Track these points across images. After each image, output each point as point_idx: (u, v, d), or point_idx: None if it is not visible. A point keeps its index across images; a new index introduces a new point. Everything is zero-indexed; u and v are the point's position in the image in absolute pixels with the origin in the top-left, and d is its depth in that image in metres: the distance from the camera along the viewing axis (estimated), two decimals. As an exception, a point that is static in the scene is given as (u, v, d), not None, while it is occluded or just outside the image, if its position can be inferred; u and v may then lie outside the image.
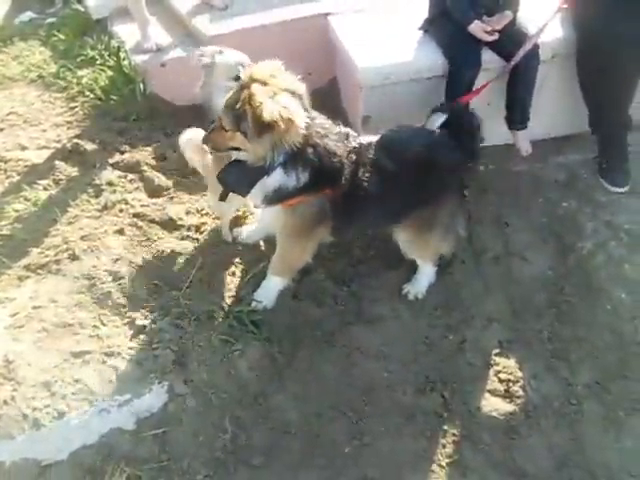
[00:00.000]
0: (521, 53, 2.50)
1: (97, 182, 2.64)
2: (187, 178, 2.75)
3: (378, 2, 3.13)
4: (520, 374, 2.16)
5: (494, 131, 2.93)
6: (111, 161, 2.76)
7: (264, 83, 1.83)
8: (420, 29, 2.80)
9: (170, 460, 1.89)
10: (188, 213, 2.57)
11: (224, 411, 2.00)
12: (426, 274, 2.36)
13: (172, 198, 2.63)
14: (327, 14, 3.07)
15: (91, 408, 1.88)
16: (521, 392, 2.11)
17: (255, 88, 1.79)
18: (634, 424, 2.03)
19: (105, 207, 2.52)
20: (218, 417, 1.99)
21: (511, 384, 2.13)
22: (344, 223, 2.12)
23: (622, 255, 2.52)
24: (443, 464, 1.94)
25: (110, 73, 3.16)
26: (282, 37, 3.07)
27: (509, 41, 2.60)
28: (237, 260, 2.40)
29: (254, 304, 2.23)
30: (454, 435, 2.00)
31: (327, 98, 3.26)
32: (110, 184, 2.63)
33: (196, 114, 3.14)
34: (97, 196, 2.59)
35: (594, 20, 2.55)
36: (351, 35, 2.85)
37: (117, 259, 2.26)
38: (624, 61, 2.50)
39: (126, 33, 3.29)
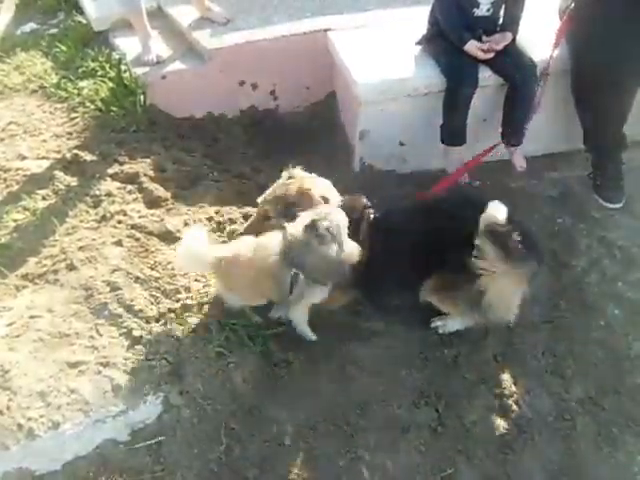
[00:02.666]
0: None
1: (96, 193, 2.64)
2: (186, 190, 2.77)
3: (378, 18, 3.19)
4: (514, 389, 2.16)
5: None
6: (110, 172, 2.76)
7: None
8: (417, 44, 2.84)
9: (164, 471, 1.88)
10: (186, 225, 2.58)
11: (219, 423, 2.00)
12: (458, 322, 2.29)
13: (170, 210, 2.64)
14: (327, 30, 3.12)
15: (86, 419, 1.87)
16: (515, 407, 2.11)
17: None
18: (627, 440, 2.03)
19: (103, 218, 2.52)
20: (213, 429, 1.99)
21: (505, 399, 2.13)
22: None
23: (616, 272, 2.55)
24: (433, 477, 1.93)
25: (111, 85, 3.17)
26: (282, 52, 3.13)
27: (508, 60, 2.66)
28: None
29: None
30: (448, 449, 1.99)
31: (325, 112, 3.32)
32: (109, 195, 2.63)
33: (194, 126, 3.21)
34: (96, 207, 2.59)
35: (591, 39, 2.61)
36: (350, 51, 2.89)
37: (115, 270, 2.26)
38: (620, 79, 2.55)
39: (127, 45, 3.32)
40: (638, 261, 2.60)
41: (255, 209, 2.68)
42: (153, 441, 1.92)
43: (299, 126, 3.25)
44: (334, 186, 2.61)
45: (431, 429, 2.04)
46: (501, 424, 2.07)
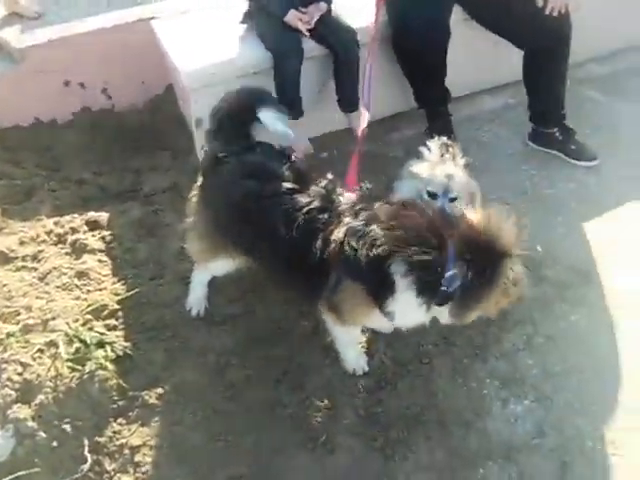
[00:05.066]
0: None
1: None
2: (19, 204, 2.60)
3: (202, 2, 3.12)
4: (377, 345, 2.24)
5: (330, 117, 3.06)
6: None
7: None
8: (241, 23, 2.83)
9: (29, 508, 1.79)
10: (22, 243, 2.41)
11: (81, 440, 1.92)
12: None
13: (2, 229, 2.46)
14: (151, 18, 3.01)
15: None
16: (378, 363, 2.19)
17: None
18: (476, 367, 2.19)
19: None
20: (76, 448, 1.91)
21: (369, 357, 2.20)
22: None
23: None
24: (310, 446, 1.98)
25: None
26: (105, 46, 2.97)
27: (327, 30, 2.71)
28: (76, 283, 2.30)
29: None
30: (317, 417, 2.04)
31: (165, 105, 3.22)
32: None
33: (22, 136, 2.99)
34: None
35: (399, 5, 2.75)
36: (174, 38, 2.81)
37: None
38: (429, 42, 2.69)
39: None
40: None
41: (98, 213, 2.58)
42: (12, 476, 1.80)
43: (139, 123, 3.13)
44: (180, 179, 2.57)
45: (297, 402, 2.07)
46: (366, 382, 2.14)
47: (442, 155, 2.15)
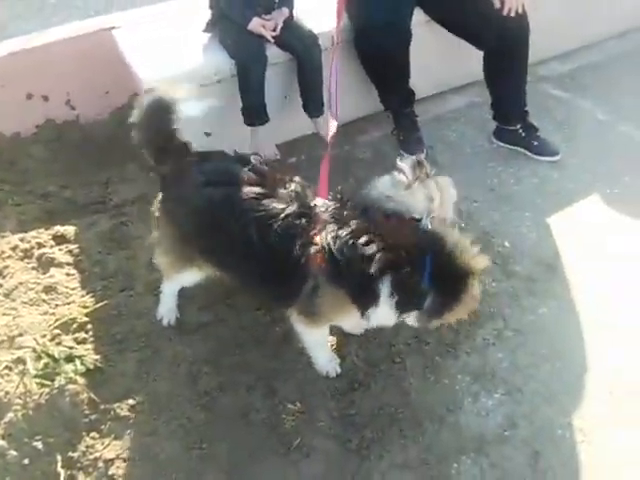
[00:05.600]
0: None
1: None
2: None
3: (164, 11, 3.12)
4: (348, 349, 2.25)
5: (297, 123, 3.07)
6: None
7: None
8: (204, 32, 2.83)
9: (3, 528, 1.76)
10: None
11: (54, 456, 1.89)
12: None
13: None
14: (112, 28, 3.00)
15: None
16: (350, 365, 2.20)
17: None
18: (448, 364, 2.22)
19: None
20: (48, 464, 1.88)
21: (341, 360, 2.20)
22: None
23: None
24: (284, 450, 1.97)
25: None
26: (68, 56, 2.96)
27: (289, 35, 2.73)
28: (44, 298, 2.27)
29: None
30: (291, 421, 2.04)
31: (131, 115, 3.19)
32: None
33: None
34: None
35: (360, 9, 2.79)
36: (136, 48, 2.80)
37: None
38: (390, 44, 2.73)
39: None
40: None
41: (65, 226, 2.56)
42: (-18, 498, 1.78)
43: (105, 134, 3.10)
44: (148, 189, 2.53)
45: (270, 407, 2.07)
46: (339, 384, 2.15)
47: (416, 176, 2.10)
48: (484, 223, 2.77)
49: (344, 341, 2.27)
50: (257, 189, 1.82)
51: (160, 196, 2.06)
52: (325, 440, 2.01)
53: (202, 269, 2.06)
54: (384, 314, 1.82)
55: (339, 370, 2.18)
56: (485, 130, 3.29)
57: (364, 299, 1.79)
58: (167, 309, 2.29)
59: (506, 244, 2.67)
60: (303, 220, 1.78)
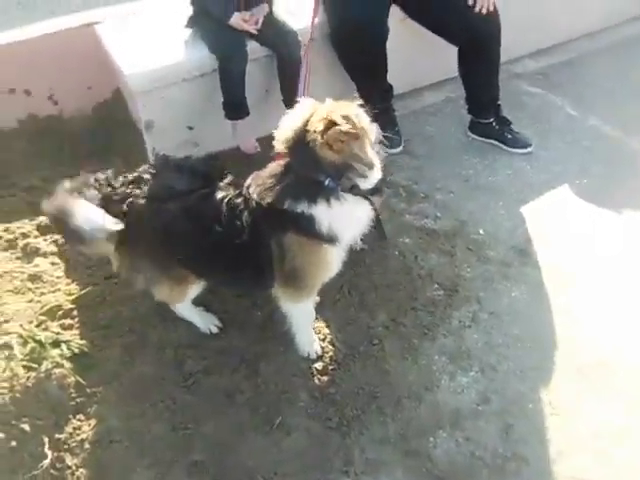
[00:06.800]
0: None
1: None
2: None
3: (147, 7, 3.17)
4: (327, 331, 2.34)
5: (278, 117, 3.12)
6: None
7: None
8: (186, 27, 2.89)
9: (-10, 508, 1.79)
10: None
11: (40, 438, 1.93)
12: None
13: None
14: (94, 23, 3.04)
15: None
16: (330, 347, 2.28)
17: None
18: (425, 346, 2.31)
19: None
20: (36, 446, 1.92)
21: (320, 342, 2.29)
22: None
23: (402, 208, 2.85)
24: (266, 429, 2.05)
25: None
26: (50, 51, 2.97)
27: (270, 31, 2.80)
28: (29, 286, 2.31)
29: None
30: (273, 403, 2.10)
31: (114, 110, 3.24)
32: None
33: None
34: None
35: (337, 5, 2.87)
36: (119, 42, 2.85)
37: None
38: (367, 39, 2.82)
39: None
40: (418, 194, 2.93)
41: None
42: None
43: (89, 129, 3.14)
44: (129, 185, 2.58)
45: (254, 388, 2.14)
46: (319, 365, 2.22)
47: None
48: (459, 212, 2.87)
49: (324, 325, 2.35)
50: (203, 190, 1.91)
51: (115, 241, 1.96)
52: (306, 419, 2.08)
53: (198, 279, 2.11)
54: (337, 214, 1.81)
55: (320, 352, 2.25)
56: (461, 124, 3.39)
57: (299, 223, 1.82)
58: (201, 321, 2.30)
59: (481, 232, 2.78)
60: (240, 199, 1.88)
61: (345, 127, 1.70)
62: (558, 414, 2.10)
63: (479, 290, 2.52)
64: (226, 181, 1.95)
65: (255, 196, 1.85)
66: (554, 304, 2.47)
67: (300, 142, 1.76)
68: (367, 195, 1.86)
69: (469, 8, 2.82)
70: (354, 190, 1.82)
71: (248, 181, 1.92)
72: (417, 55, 3.44)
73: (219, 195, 1.89)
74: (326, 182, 1.78)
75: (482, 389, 2.17)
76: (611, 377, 2.22)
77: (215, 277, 2.15)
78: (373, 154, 1.82)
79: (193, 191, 1.91)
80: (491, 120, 3.21)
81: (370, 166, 1.80)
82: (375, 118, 3.11)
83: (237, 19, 2.71)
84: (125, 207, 1.91)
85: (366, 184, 1.83)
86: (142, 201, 1.92)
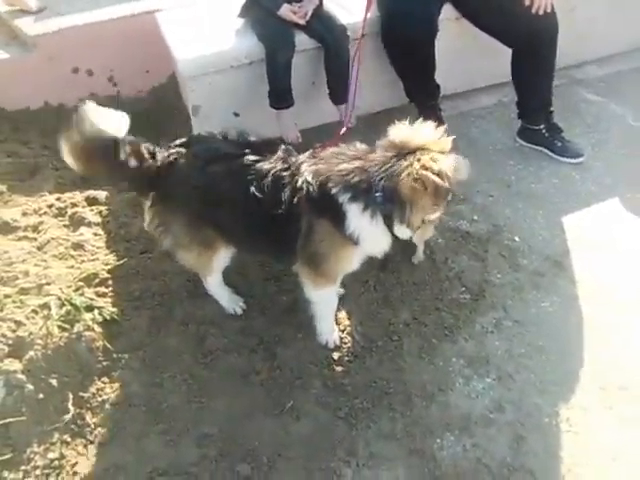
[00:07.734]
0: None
1: None
2: (24, 181, 2.77)
3: (206, -4, 3.29)
4: (347, 322, 2.36)
5: (322, 110, 3.18)
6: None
7: None
8: (239, 16, 2.97)
9: (15, 452, 1.92)
10: (25, 214, 2.58)
11: (66, 394, 2.06)
12: None
13: (7, 202, 2.63)
14: (156, 11, 3.18)
15: None
16: (348, 338, 2.31)
17: None
18: (444, 347, 2.29)
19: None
20: (60, 401, 2.05)
21: (340, 333, 2.32)
22: None
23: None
24: (277, 412, 2.10)
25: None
26: (114, 35, 3.15)
27: (319, 24, 2.84)
28: (72, 253, 2.46)
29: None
30: (286, 386, 2.15)
31: (168, 94, 3.39)
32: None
33: (31, 118, 3.17)
34: None
35: (389, 1, 2.86)
36: (176, 30, 2.97)
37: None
38: (416, 38, 2.80)
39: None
40: (456, 196, 2.84)
41: (97, 191, 2.75)
42: (-1, 423, 1.95)
43: (143, 110, 3.28)
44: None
45: (269, 370, 2.19)
46: (336, 355, 2.25)
47: None
48: (497, 217, 2.81)
49: (346, 317, 2.38)
50: (250, 157, 1.96)
51: (153, 197, 2.06)
52: (316, 406, 2.12)
53: (227, 247, 2.16)
54: (361, 224, 1.86)
55: (338, 342, 2.28)
56: (510, 129, 3.32)
57: (336, 216, 1.87)
58: (227, 300, 2.37)
59: (516, 239, 2.71)
60: (288, 172, 1.93)
61: (439, 183, 1.76)
62: (575, 432, 2.04)
63: (507, 297, 2.47)
64: (277, 155, 1.98)
65: (310, 168, 1.89)
66: (584, 320, 2.39)
67: (399, 155, 1.82)
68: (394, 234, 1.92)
69: (525, 8, 2.74)
70: (387, 221, 1.87)
71: (301, 158, 1.97)
72: (471, 56, 3.39)
73: (266, 165, 1.94)
74: (377, 195, 1.81)
75: (497, 397, 2.13)
76: (633, 403, 2.13)
77: (243, 242, 2.18)
78: (426, 222, 1.96)
79: (238, 157, 1.97)
80: (541, 127, 3.12)
81: (413, 225, 1.88)
82: (421, 116, 3.16)
83: (286, 10, 2.76)
84: (171, 161, 1.99)
85: (395, 228, 1.89)
86: (187, 159, 1.99)
